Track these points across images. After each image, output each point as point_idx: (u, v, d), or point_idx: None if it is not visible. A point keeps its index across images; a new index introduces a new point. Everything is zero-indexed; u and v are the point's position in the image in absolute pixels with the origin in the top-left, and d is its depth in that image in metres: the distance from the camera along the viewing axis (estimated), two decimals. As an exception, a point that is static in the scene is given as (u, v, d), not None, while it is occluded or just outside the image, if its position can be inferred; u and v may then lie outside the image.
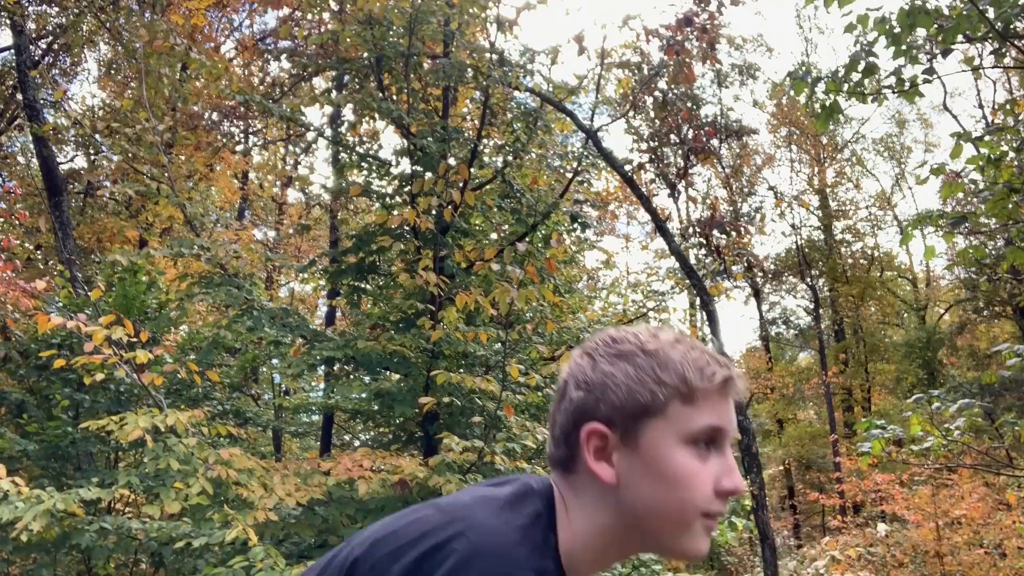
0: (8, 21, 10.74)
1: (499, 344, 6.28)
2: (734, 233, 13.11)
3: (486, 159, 7.73)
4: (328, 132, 8.35)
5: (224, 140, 13.34)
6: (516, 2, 6.96)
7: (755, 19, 38.36)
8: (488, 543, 0.79)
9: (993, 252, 14.91)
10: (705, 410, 0.92)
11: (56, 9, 11.73)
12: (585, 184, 8.84)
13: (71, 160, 14.58)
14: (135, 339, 4.83)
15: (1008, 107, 6.73)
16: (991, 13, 4.64)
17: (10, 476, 4.57)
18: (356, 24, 6.79)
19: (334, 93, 8.87)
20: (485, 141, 7.69)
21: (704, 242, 12.52)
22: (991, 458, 8.01)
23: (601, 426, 0.92)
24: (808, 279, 23.01)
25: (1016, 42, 5.05)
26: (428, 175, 6.64)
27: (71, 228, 10.66)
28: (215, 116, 12.75)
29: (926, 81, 5.08)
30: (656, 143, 14.44)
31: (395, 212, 6.63)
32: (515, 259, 6.24)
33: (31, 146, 12.82)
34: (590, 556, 0.93)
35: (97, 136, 12.00)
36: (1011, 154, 5.31)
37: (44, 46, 13.29)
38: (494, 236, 7.88)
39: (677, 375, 0.91)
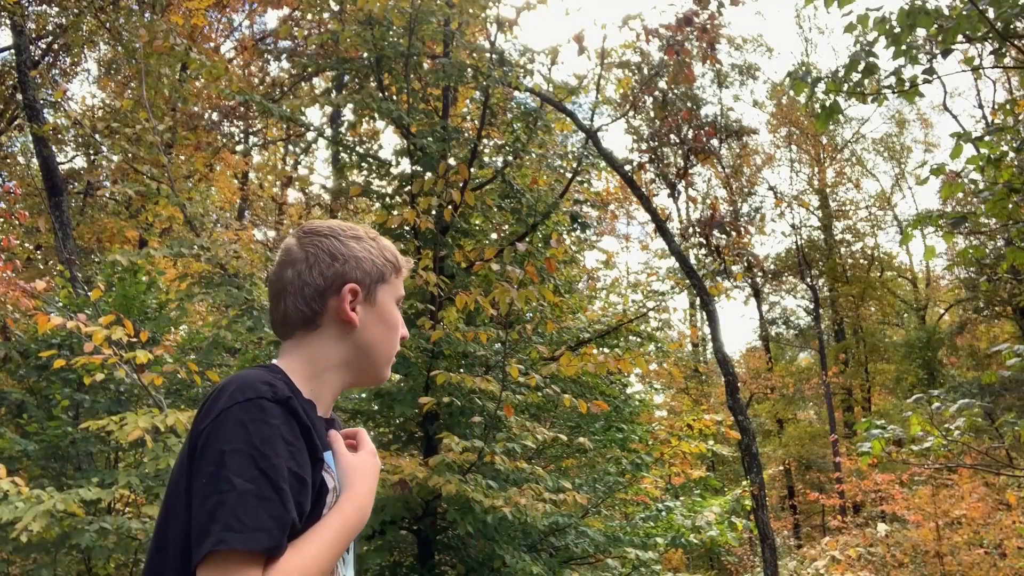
0: (8, 21, 10.74)
1: (499, 344, 6.27)
2: (734, 233, 13.11)
3: (486, 159, 7.73)
4: (328, 132, 8.34)
5: (224, 140, 13.34)
6: (516, 2, 6.96)
7: (755, 19, 38.40)
8: (240, 375, 1.19)
9: (993, 252, 14.91)
10: (400, 282, 1.39)
11: (56, 9, 11.73)
12: (585, 184, 8.83)
13: (71, 160, 14.59)
14: (135, 339, 4.82)
15: (1008, 107, 6.72)
16: (991, 13, 4.64)
17: (10, 476, 4.57)
18: (356, 24, 6.78)
19: (334, 93, 8.87)
20: (485, 141, 7.69)
21: (704, 242, 12.52)
22: (991, 458, 8.01)
23: (356, 285, 1.30)
24: (808, 279, 23.00)
25: (1016, 42, 5.04)
26: (428, 175, 6.63)
27: (71, 228, 10.66)
28: (215, 116, 12.75)
29: (926, 81, 5.08)
30: (656, 143, 14.43)
31: (395, 212, 6.62)
32: (515, 259, 6.23)
33: (31, 146, 12.82)
34: (330, 383, 1.30)
35: (97, 136, 11.99)
36: (1011, 154, 5.31)
37: (44, 46, 13.29)
38: (494, 236, 7.87)
39: (392, 256, 1.37)
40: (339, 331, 1.30)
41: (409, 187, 6.63)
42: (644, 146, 14.42)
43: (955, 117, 30.85)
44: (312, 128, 8.04)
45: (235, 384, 1.15)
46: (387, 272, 1.34)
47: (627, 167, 11.29)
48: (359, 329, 1.30)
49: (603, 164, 9.58)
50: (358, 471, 1.26)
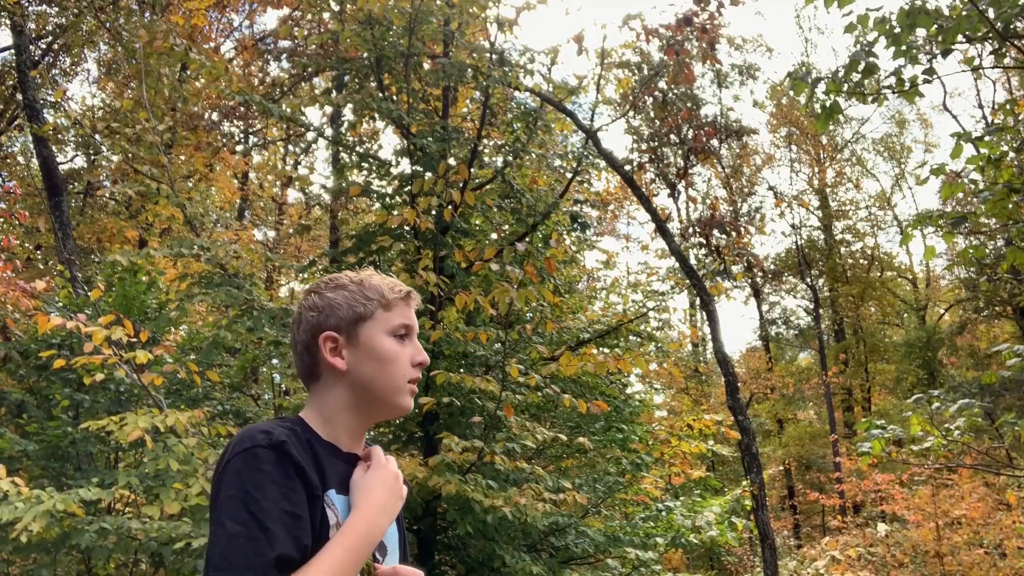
0: (8, 21, 10.74)
1: (499, 344, 6.28)
2: (734, 233, 13.11)
3: (486, 159, 7.73)
4: (328, 132, 8.35)
5: (224, 140, 13.33)
6: (516, 2, 6.96)
7: (755, 19, 38.37)
8: (245, 428, 1.28)
9: (993, 252, 14.92)
10: (397, 313, 1.42)
11: (56, 9, 11.72)
12: (585, 184, 8.83)
13: (71, 160, 14.58)
14: (135, 339, 4.82)
15: (1008, 107, 6.72)
16: (991, 13, 4.64)
17: (10, 476, 4.57)
18: (356, 24, 6.79)
19: (334, 93, 8.86)
20: (485, 141, 7.69)
21: (704, 242, 12.52)
22: (991, 458, 8.01)
23: (332, 332, 1.38)
24: (808, 279, 22.99)
25: (1016, 42, 5.05)
26: (428, 175, 6.63)
27: (71, 228, 10.66)
28: (215, 116, 12.74)
29: (926, 81, 5.08)
30: (656, 143, 14.44)
31: (395, 212, 6.62)
32: (515, 259, 6.23)
33: (31, 146, 12.82)
34: (343, 424, 1.38)
35: (97, 136, 12.00)
36: (1011, 154, 5.31)
37: (44, 46, 13.29)
38: (494, 236, 7.87)
39: (376, 293, 1.41)
40: (334, 377, 1.39)
41: (409, 187, 6.63)
42: (644, 146, 14.43)
43: (955, 117, 30.90)
44: (312, 128, 8.04)
45: (238, 437, 1.27)
46: (369, 310, 1.39)
47: (627, 167, 11.30)
48: (350, 371, 1.38)
49: (603, 164, 9.58)
50: (363, 488, 1.34)
